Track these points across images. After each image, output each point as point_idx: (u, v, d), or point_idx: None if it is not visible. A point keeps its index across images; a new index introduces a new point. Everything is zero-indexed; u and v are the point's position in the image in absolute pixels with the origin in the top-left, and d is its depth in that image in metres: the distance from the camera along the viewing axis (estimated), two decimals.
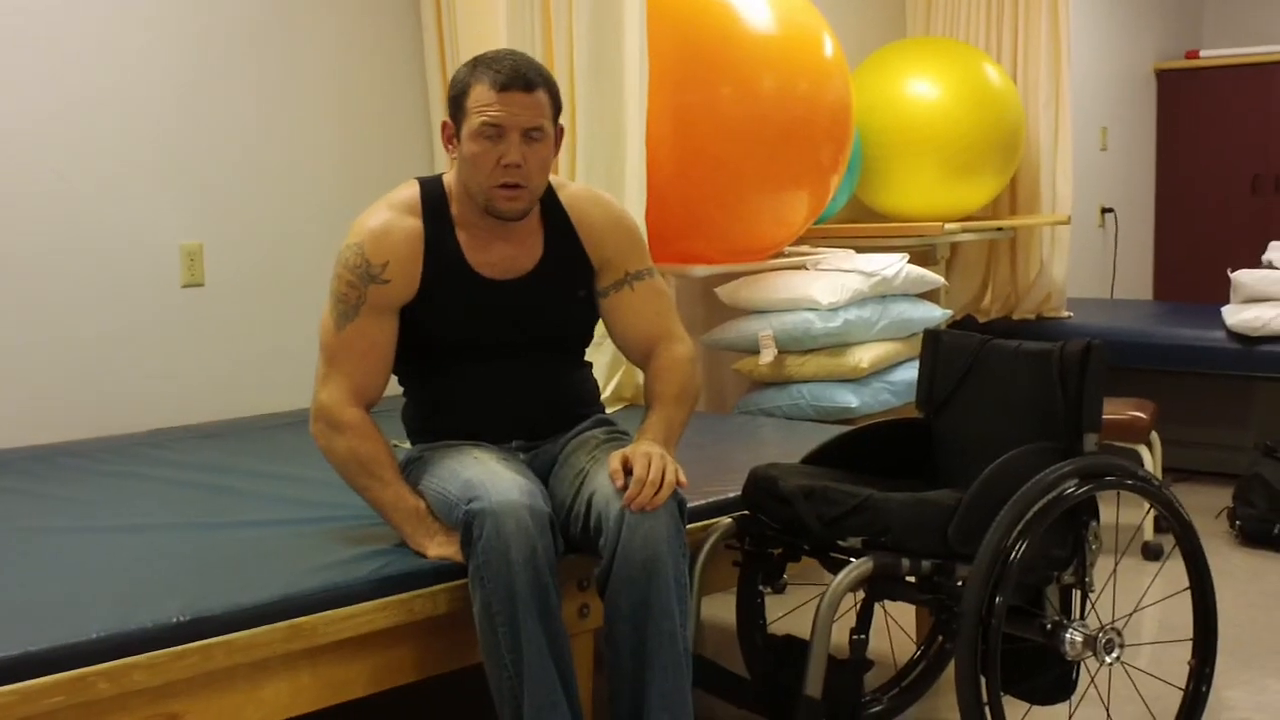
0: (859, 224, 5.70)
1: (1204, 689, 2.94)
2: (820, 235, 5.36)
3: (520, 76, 2.66)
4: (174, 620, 2.26)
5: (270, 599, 2.38)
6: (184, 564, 2.60)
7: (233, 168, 4.19)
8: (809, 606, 2.72)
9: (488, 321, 2.79)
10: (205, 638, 2.27)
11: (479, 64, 2.70)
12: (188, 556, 2.65)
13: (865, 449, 3.12)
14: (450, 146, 2.75)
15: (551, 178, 2.84)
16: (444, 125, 2.76)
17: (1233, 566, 4.65)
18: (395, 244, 2.73)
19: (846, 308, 4.63)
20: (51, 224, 3.83)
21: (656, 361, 2.91)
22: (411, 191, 2.81)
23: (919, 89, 5.50)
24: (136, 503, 3.09)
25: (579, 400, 2.95)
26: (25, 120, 3.78)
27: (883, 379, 4.76)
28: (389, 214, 2.76)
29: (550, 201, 2.85)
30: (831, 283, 4.65)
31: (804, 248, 5.15)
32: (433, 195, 2.80)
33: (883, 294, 4.79)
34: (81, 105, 3.88)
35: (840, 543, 2.77)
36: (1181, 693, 2.96)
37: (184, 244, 4.09)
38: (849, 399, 4.61)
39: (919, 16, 6.27)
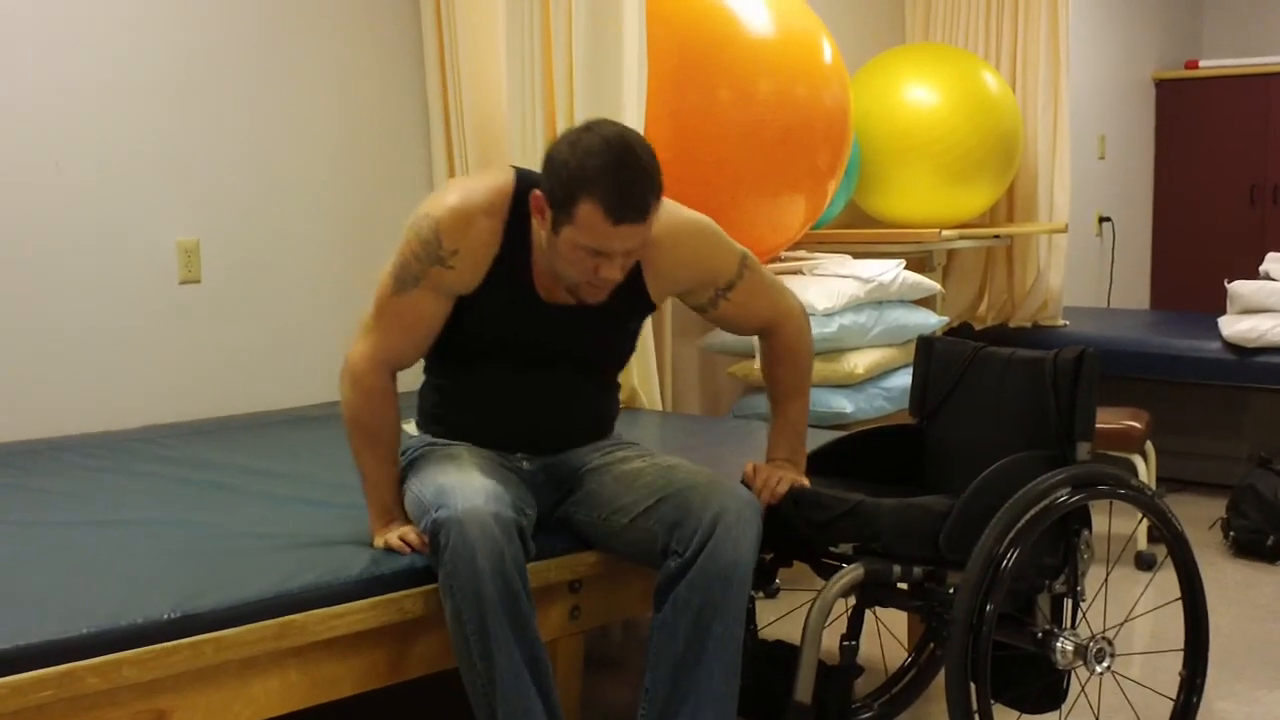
0: (856, 229, 5.70)
1: (1194, 699, 2.94)
2: (817, 240, 5.36)
3: (635, 206, 2.51)
4: (164, 616, 2.26)
5: (261, 596, 2.38)
6: (175, 560, 2.60)
7: (230, 164, 4.19)
8: (800, 612, 2.72)
9: (528, 334, 2.76)
10: (195, 634, 2.27)
11: (588, 164, 2.48)
12: (179, 553, 2.64)
13: (858, 454, 3.12)
14: (539, 218, 2.59)
15: None
16: (535, 196, 2.59)
17: (1225, 577, 4.65)
18: (470, 239, 2.65)
19: (842, 313, 4.63)
20: (49, 219, 3.83)
21: (768, 353, 3.00)
22: (504, 194, 2.69)
23: (917, 95, 5.50)
24: (129, 498, 3.09)
25: (593, 419, 2.96)
26: (24, 115, 3.78)
27: (878, 385, 4.76)
28: (475, 206, 2.66)
29: None
30: (827, 288, 4.65)
31: (800, 253, 5.15)
32: (523, 198, 2.66)
33: (879, 300, 4.80)
34: (80, 101, 3.88)
35: (832, 549, 2.77)
36: (1172, 703, 2.96)
37: (181, 240, 4.09)
38: (844, 404, 4.61)
39: (918, 22, 6.27)
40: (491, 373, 2.81)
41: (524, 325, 2.74)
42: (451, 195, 2.69)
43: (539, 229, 2.63)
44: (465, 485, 2.55)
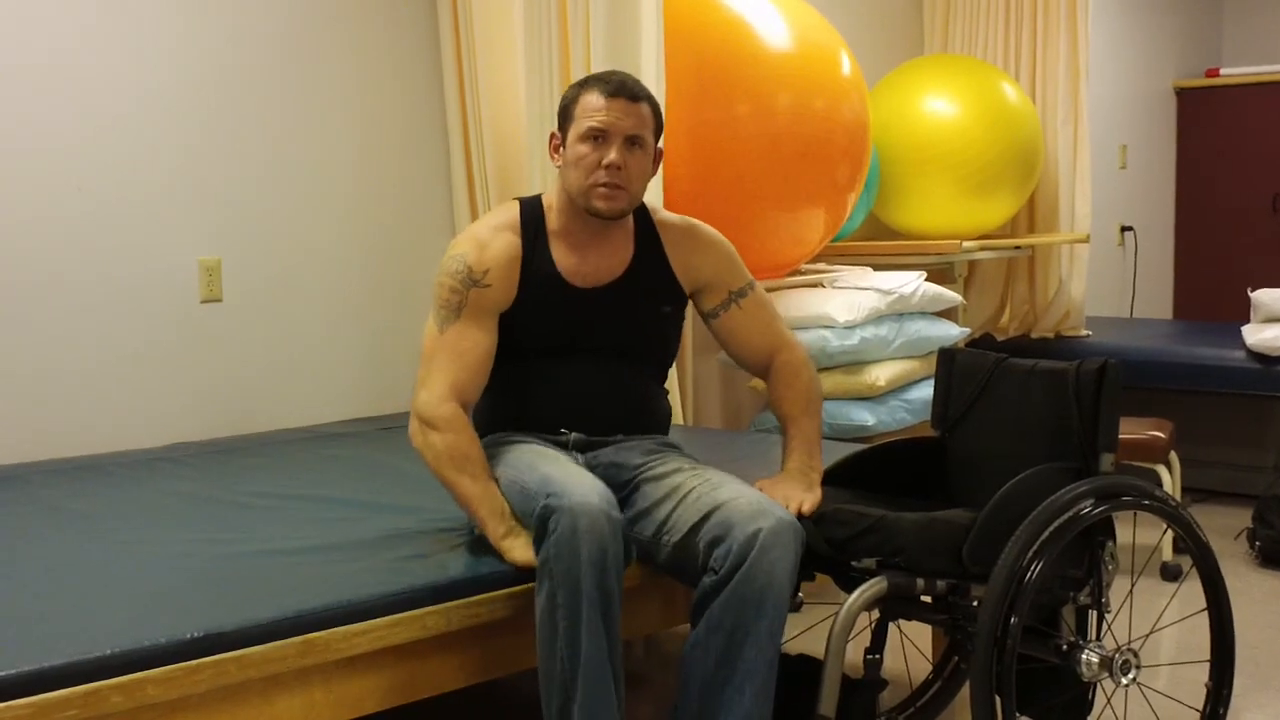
0: (876, 241, 5.69)
1: (1221, 711, 2.92)
2: (837, 253, 5.36)
3: (627, 88, 2.86)
4: (188, 635, 2.26)
5: (283, 614, 2.38)
6: (198, 578, 2.61)
7: (252, 183, 4.21)
8: (823, 625, 2.71)
9: (571, 325, 2.93)
10: (218, 652, 2.27)
11: (589, 79, 2.91)
12: (202, 571, 2.65)
13: (880, 468, 3.11)
14: (556, 156, 2.93)
15: (648, 201, 3.03)
16: (551, 136, 2.94)
17: (1251, 587, 4.62)
18: (495, 255, 2.89)
19: (863, 326, 4.63)
20: (72, 238, 3.85)
21: (776, 376, 3.09)
22: (511, 212, 2.98)
23: (937, 107, 5.50)
24: (151, 517, 3.10)
25: (637, 407, 3.03)
26: (47, 136, 3.80)
27: (900, 397, 4.75)
28: (489, 232, 2.93)
29: (644, 220, 3.02)
30: (848, 300, 4.65)
31: (821, 265, 5.15)
32: (531, 211, 2.97)
33: (900, 312, 4.79)
34: (102, 121, 3.90)
35: (854, 564, 2.76)
36: (1199, 715, 2.95)
37: (202, 259, 4.11)
38: (866, 417, 4.60)
39: (937, 34, 6.27)
40: (538, 363, 2.93)
41: (561, 314, 2.92)
42: (467, 235, 2.96)
43: (554, 162, 2.93)
44: (575, 478, 2.61)
